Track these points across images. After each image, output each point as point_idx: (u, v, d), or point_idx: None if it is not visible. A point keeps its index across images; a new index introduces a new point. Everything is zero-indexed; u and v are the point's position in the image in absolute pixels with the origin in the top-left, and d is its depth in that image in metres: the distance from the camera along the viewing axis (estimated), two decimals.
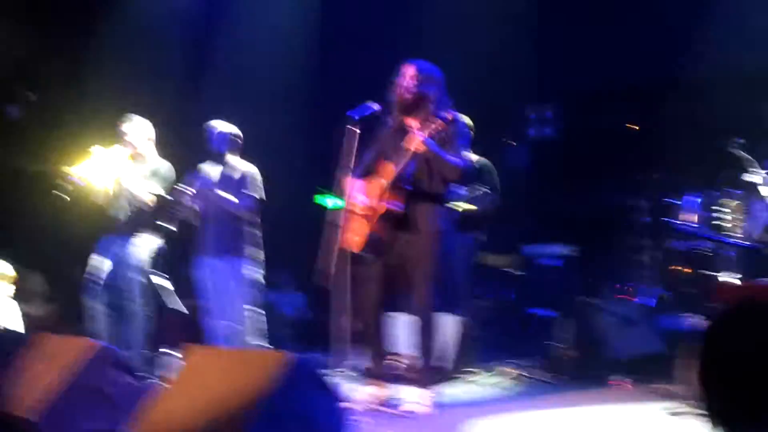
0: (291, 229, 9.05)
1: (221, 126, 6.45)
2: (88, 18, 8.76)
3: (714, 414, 2.10)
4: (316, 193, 8.88)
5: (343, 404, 3.93)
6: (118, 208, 6.46)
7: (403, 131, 5.15)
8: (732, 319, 2.22)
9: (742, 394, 2.07)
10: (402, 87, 5.17)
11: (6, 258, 7.20)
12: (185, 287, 6.76)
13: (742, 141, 6.11)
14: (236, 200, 6.27)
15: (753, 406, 2.00)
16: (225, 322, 6.24)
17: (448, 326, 5.91)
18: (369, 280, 5.22)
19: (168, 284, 6.58)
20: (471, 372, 6.24)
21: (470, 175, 6.64)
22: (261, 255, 6.40)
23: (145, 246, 6.38)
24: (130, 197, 6.39)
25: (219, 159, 6.44)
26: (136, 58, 8.84)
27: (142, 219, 6.37)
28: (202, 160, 6.51)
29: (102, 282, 6.34)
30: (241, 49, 9.16)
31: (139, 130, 6.55)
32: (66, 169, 6.27)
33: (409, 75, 5.17)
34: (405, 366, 5.67)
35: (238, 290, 6.27)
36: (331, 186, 5.21)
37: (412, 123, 5.12)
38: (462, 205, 6.54)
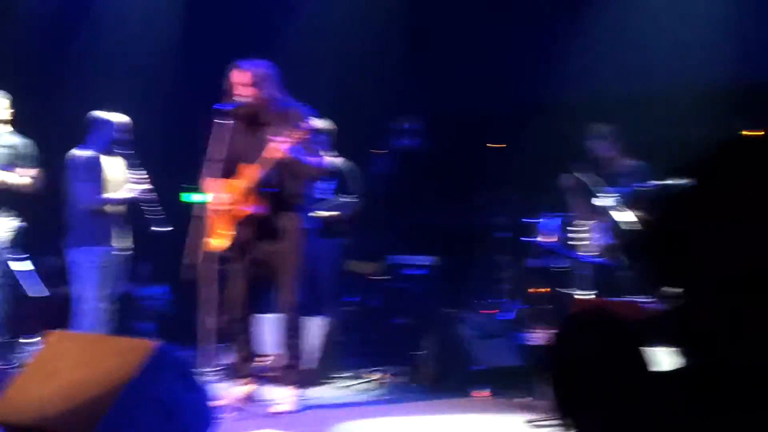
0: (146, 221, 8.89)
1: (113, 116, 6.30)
2: None
3: (563, 420, 2.24)
4: (181, 190, 8.76)
5: (206, 397, 3.91)
6: None
7: (254, 133, 5.13)
8: (571, 328, 2.37)
9: (580, 393, 2.23)
10: (242, 96, 5.08)
11: None
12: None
13: (582, 165, 6.45)
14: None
15: (589, 400, 2.16)
16: (86, 308, 6.06)
17: (314, 328, 5.95)
18: (234, 278, 5.20)
19: (27, 266, 6.32)
20: (335, 375, 6.30)
21: (335, 178, 6.75)
22: (120, 243, 6.24)
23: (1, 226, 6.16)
24: None
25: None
26: None
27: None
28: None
29: None
30: (105, 41, 8.94)
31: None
32: None
33: (240, 82, 5.07)
34: (269, 365, 5.66)
35: (94, 278, 6.09)
36: (196, 181, 5.16)
37: (270, 131, 5.03)
38: (324, 213, 6.60)
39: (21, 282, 6.22)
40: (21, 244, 6.17)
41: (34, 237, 6.30)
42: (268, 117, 5.09)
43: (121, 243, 6.22)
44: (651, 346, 2.09)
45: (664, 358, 2.14)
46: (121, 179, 6.28)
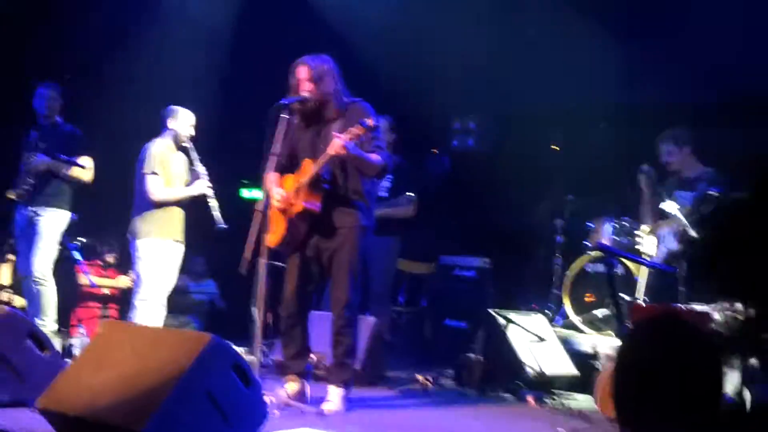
0: (207, 216, 8.93)
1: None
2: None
3: (625, 423, 2.16)
4: (239, 186, 8.81)
5: (259, 392, 3.90)
6: (27, 176, 6.35)
7: (316, 129, 5.11)
8: (641, 336, 2.29)
9: (651, 402, 2.14)
10: (300, 92, 5.04)
11: None
12: None
13: (649, 168, 6.32)
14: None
15: (661, 410, 2.07)
16: (145, 299, 6.18)
17: (363, 328, 5.91)
18: (289, 273, 5.18)
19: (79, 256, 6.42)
20: (384, 375, 6.27)
21: (392, 176, 6.70)
22: (181, 236, 6.33)
23: (57, 218, 6.26)
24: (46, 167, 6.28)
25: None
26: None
27: (55, 189, 6.28)
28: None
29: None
30: (162, 35, 9.00)
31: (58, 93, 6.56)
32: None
33: (303, 77, 5.05)
34: (320, 363, 5.64)
35: (158, 269, 6.21)
36: (255, 177, 5.14)
37: (332, 127, 5.01)
38: (380, 211, 6.58)
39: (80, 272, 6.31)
40: (75, 234, 6.26)
41: (89, 228, 6.37)
42: (330, 112, 5.06)
43: (182, 236, 6.29)
44: (724, 356, 2.01)
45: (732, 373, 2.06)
46: (184, 173, 6.35)
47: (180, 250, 6.31)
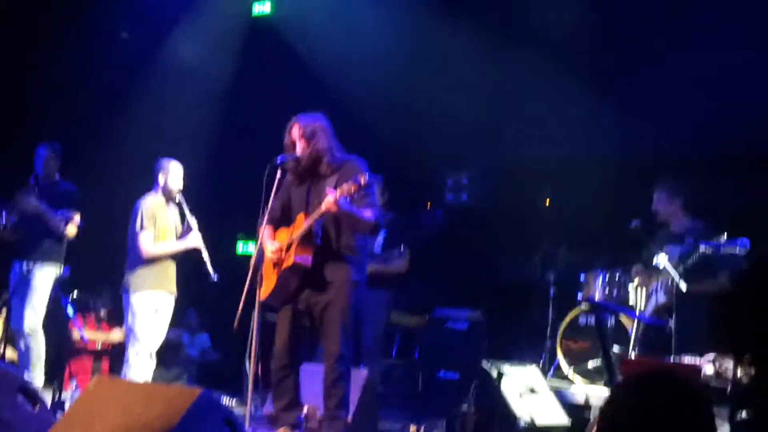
0: (200, 270, 8.96)
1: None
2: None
3: None
4: (237, 240, 8.85)
5: None
6: (23, 233, 6.42)
7: (309, 184, 5.18)
8: (625, 390, 2.30)
9: None
10: (294, 149, 5.17)
11: None
12: None
13: (638, 222, 6.36)
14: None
15: None
16: (138, 352, 6.16)
17: (355, 380, 5.90)
18: (280, 326, 5.20)
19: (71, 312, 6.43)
20: (376, 428, 6.25)
21: (385, 231, 6.74)
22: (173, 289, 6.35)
23: (50, 273, 6.29)
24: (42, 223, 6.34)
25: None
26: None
27: (49, 244, 6.31)
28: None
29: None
30: (160, 93, 9.12)
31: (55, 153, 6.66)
32: None
33: (296, 135, 5.16)
34: (311, 415, 5.63)
35: (149, 322, 6.25)
36: (250, 232, 5.20)
37: (326, 183, 5.10)
38: (373, 266, 6.60)
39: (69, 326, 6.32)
40: (66, 290, 6.29)
41: (83, 282, 6.40)
42: (323, 169, 5.13)
43: (174, 288, 6.33)
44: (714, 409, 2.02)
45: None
46: (176, 226, 6.40)
47: (172, 302, 6.35)
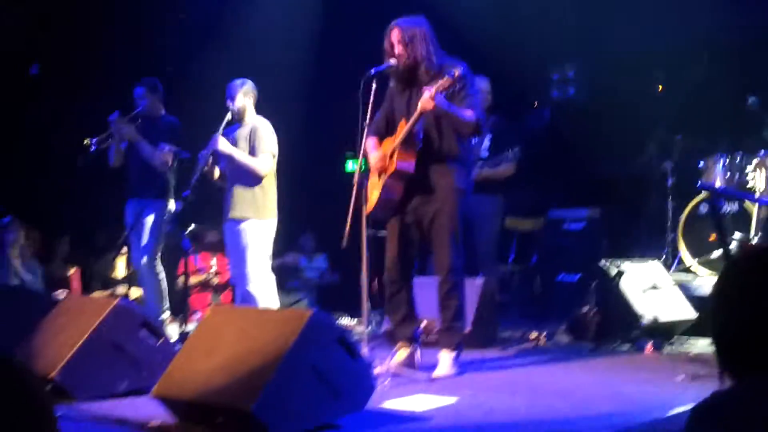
0: (315, 192, 9.04)
1: (234, 82, 6.23)
2: None
3: (724, 362, 2.03)
4: (346, 158, 8.86)
5: (365, 363, 3.92)
6: (134, 170, 6.52)
7: (412, 90, 5.06)
8: (736, 270, 2.12)
9: (749, 339, 1.99)
10: (393, 55, 5.01)
11: (32, 221, 7.26)
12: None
13: (756, 99, 6.01)
14: (248, 158, 6.06)
15: (760, 349, 1.93)
16: (243, 284, 6.18)
17: (471, 290, 5.86)
18: (390, 240, 5.17)
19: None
20: (496, 337, 6.22)
21: (492, 134, 6.59)
22: (274, 214, 6.21)
23: (161, 209, 6.40)
24: (143, 157, 6.43)
25: (235, 115, 6.19)
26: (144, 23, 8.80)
27: (156, 180, 6.38)
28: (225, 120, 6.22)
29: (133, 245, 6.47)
30: (254, 15, 9.07)
31: (151, 90, 6.62)
32: (87, 140, 6.38)
33: (395, 40, 5.00)
34: (428, 329, 5.64)
35: (250, 253, 6.10)
36: (355, 148, 5.14)
37: (420, 82, 5.01)
38: (482, 171, 6.49)
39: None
40: (182, 224, 6.37)
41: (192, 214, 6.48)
42: (423, 75, 4.99)
43: (269, 214, 6.23)
44: None
45: None
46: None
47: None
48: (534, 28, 8.42)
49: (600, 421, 3.74)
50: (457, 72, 4.77)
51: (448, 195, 5.00)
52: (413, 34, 5.00)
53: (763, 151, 6.13)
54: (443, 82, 4.77)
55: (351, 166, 9.92)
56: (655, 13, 7.84)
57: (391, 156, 5.02)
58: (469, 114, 4.94)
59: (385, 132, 5.21)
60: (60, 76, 8.72)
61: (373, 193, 5.11)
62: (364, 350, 4.61)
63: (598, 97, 8.89)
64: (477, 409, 4.03)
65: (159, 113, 6.64)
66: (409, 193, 5.05)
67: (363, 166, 5.06)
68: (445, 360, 4.95)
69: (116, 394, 4.28)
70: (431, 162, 5.02)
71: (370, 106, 5.01)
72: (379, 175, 5.10)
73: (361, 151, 5.05)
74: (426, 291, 5.37)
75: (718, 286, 2.07)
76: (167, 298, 6.49)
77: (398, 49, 4.99)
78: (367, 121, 5.02)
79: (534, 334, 5.96)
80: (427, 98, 4.77)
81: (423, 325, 5.43)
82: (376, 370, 4.64)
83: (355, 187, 4.98)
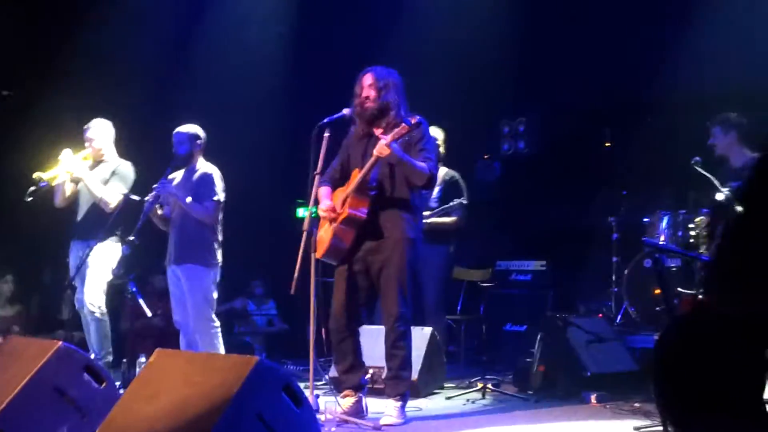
0: (266, 239, 9.03)
1: (182, 128, 6.25)
2: (65, 19, 8.71)
3: (666, 419, 2.10)
4: (297, 205, 8.88)
5: (311, 411, 3.91)
6: (81, 211, 6.46)
7: (369, 139, 5.14)
8: (679, 329, 2.20)
9: (687, 397, 2.06)
10: (363, 98, 5.12)
11: None
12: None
13: (700, 159, 6.20)
14: (195, 205, 6.04)
15: (696, 405, 2.00)
16: (187, 330, 6.15)
17: (419, 339, 5.90)
18: (338, 287, 5.19)
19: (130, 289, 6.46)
20: (441, 386, 6.24)
21: (442, 185, 6.67)
22: (219, 260, 6.20)
23: (107, 250, 6.34)
24: (92, 198, 6.38)
25: (181, 162, 6.21)
26: (109, 59, 8.77)
27: (103, 222, 6.32)
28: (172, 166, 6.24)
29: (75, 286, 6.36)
30: (215, 58, 9.11)
31: (101, 131, 6.55)
32: (37, 174, 6.31)
33: (367, 84, 5.11)
34: (374, 377, 5.64)
35: (197, 298, 6.08)
36: (305, 195, 5.17)
37: (377, 130, 5.11)
38: (431, 220, 6.55)
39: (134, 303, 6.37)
40: (127, 266, 6.30)
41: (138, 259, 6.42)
42: (389, 122, 5.06)
43: (215, 259, 6.23)
44: None
45: None
46: None
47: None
48: (487, 81, 8.58)
49: None
50: (413, 120, 4.85)
51: (397, 244, 5.05)
52: (387, 82, 5.12)
53: (705, 210, 6.29)
54: (399, 130, 4.86)
55: (302, 213, 9.94)
56: (605, 71, 8.03)
57: (344, 203, 5.07)
58: (422, 165, 5.01)
59: (339, 181, 5.26)
60: (7, 106, 8.62)
61: (323, 241, 5.14)
62: (310, 398, 4.60)
63: (548, 151, 9.05)
64: None
65: (111, 156, 6.64)
66: (359, 240, 5.09)
67: (313, 213, 5.10)
68: (392, 408, 4.96)
69: None
70: (383, 210, 5.07)
71: (321, 154, 5.06)
72: (330, 223, 5.14)
73: (312, 199, 5.09)
74: (373, 339, 5.40)
75: (660, 342, 2.13)
76: (110, 341, 6.41)
77: (370, 92, 5.07)
78: (318, 169, 5.07)
79: (480, 384, 5.98)
80: (382, 145, 4.84)
81: (370, 373, 5.43)
82: (322, 418, 4.63)
83: (304, 234, 5.01)
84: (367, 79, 5.13)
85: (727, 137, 6.28)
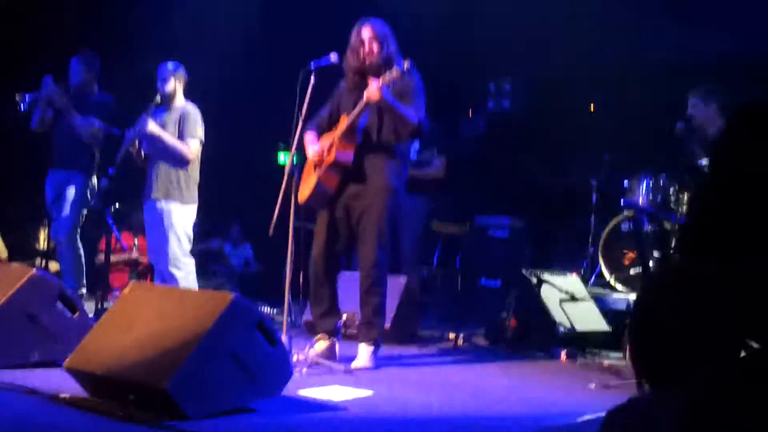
0: (245, 182, 8.98)
1: (166, 64, 6.23)
2: None
3: (640, 372, 2.11)
4: (278, 150, 8.82)
5: (283, 351, 3.92)
6: (59, 140, 6.40)
7: (361, 91, 5.08)
8: (658, 286, 2.21)
9: (666, 354, 2.07)
10: (367, 51, 5.06)
11: None
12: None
13: (683, 124, 6.20)
14: (176, 142, 6.04)
15: (675, 359, 2.01)
16: (162, 265, 6.14)
17: (394, 287, 5.91)
18: (318, 232, 5.18)
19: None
20: (414, 335, 6.27)
21: (427, 137, 6.65)
22: (195, 198, 6.20)
23: (85, 183, 6.29)
24: (72, 129, 6.31)
25: (163, 98, 6.18)
26: None
27: (82, 152, 6.26)
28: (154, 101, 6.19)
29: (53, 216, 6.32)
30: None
31: (87, 64, 6.48)
32: (19, 96, 6.24)
33: (368, 38, 5.05)
34: (349, 322, 5.66)
35: (172, 235, 6.09)
36: (288, 140, 5.13)
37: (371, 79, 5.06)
38: (413, 171, 6.53)
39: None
40: (107, 201, 6.28)
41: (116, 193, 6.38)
42: (393, 73, 5.00)
43: (192, 198, 6.21)
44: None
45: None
46: None
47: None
48: (476, 39, 8.52)
49: (511, 422, 3.81)
50: (406, 64, 4.81)
51: (379, 192, 5.03)
52: (386, 33, 5.08)
53: (686, 176, 6.31)
54: (391, 73, 4.81)
55: (283, 158, 9.89)
56: (591, 35, 8.00)
57: (329, 148, 5.04)
58: (411, 113, 4.98)
59: (326, 129, 5.22)
60: None
61: (307, 184, 5.11)
62: (283, 339, 4.60)
63: (532, 111, 9.04)
64: (392, 402, 4.06)
65: (92, 89, 6.57)
66: (342, 185, 5.07)
67: (296, 158, 5.07)
68: (364, 353, 4.98)
69: (28, 365, 4.20)
70: (368, 157, 5.05)
71: (306, 99, 5.02)
72: (315, 168, 5.11)
73: (295, 144, 5.05)
74: (349, 285, 5.40)
75: (638, 300, 2.13)
76: (85, 273, 6.39)
77: (373, 45, 5.02)
78: (303, 114, 5.03)
79: (452, 335, 6.01)
80: (374, 89, 4.80)
81: (344, 318, 5.45)
82: (294, 359, 4.64)
83: (285, 178, 4.98)
84: (367, 31, 5.07)
85: (708, 109, 6.27)
